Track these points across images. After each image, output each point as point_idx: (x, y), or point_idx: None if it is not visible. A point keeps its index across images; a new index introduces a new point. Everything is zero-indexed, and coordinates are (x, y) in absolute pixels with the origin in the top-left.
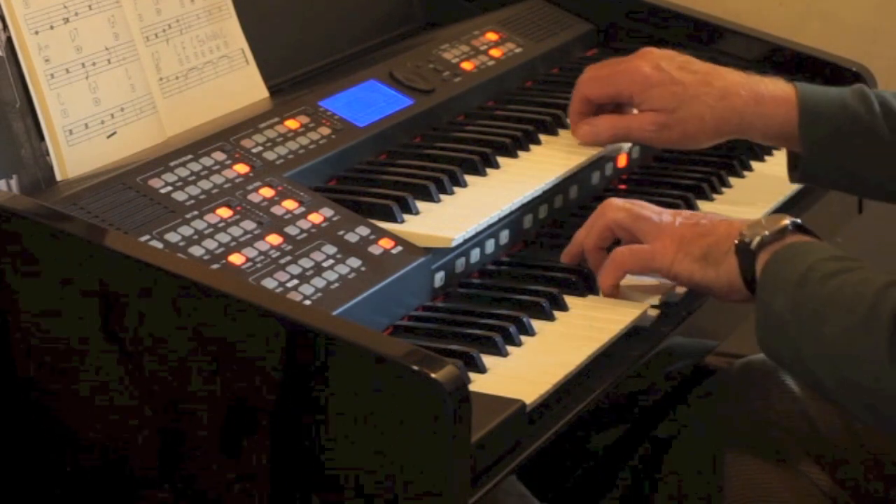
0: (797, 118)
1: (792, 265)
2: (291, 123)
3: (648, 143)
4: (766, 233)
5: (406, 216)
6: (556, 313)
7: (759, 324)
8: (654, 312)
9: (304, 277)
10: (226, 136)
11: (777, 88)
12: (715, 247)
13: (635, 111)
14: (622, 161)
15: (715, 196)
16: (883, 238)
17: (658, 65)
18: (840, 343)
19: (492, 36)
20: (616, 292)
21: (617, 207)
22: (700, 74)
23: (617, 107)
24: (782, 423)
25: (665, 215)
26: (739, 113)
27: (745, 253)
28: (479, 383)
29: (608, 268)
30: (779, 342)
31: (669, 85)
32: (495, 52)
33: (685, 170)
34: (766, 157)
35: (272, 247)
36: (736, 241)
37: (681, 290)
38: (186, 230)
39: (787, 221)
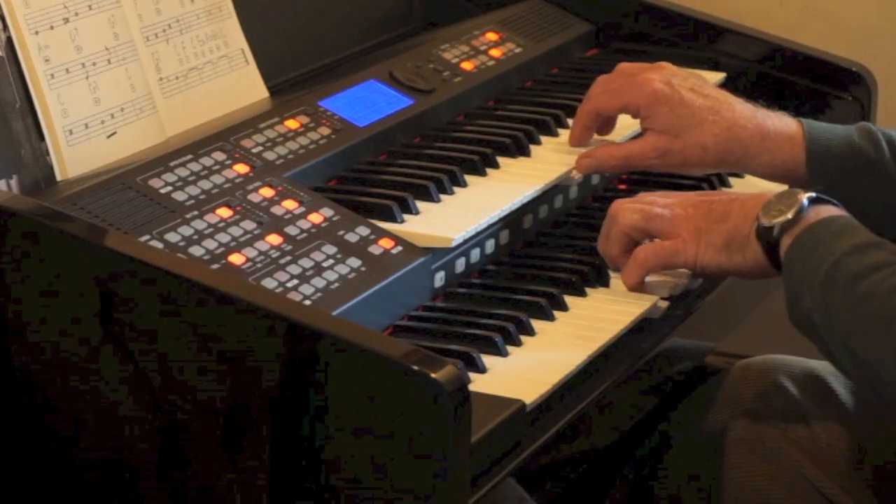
0: (804, 156)
1: (816, 257)
2: (291, 123)
3: (649, 169)
4: (787, 217)
5: (406, 216)
6: (556, 313)
7: (790, 311)
8: (663, 304)
9: (304, 277)
10: (226, 136)
11: (783, 125)
12: (735, 231)
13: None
14: None
15: None
16: None
17: (669, 81)
18: (871, 363)
19: (492, 36)
20: (638, 288)
21: (628, 210)
22: (710, 100)
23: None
24: (781, 424)
25: (676, 207)
26: (744, 146)
27: (767, 239)
28: (479, 383)
29: (631, 268)
30: (810, 335)
31: (677, 106)
32: (495, 52)
33: None
34: None
35: (272, 247)
36: (755, 226)
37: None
38: (186, 230)
39: (803, 199)
